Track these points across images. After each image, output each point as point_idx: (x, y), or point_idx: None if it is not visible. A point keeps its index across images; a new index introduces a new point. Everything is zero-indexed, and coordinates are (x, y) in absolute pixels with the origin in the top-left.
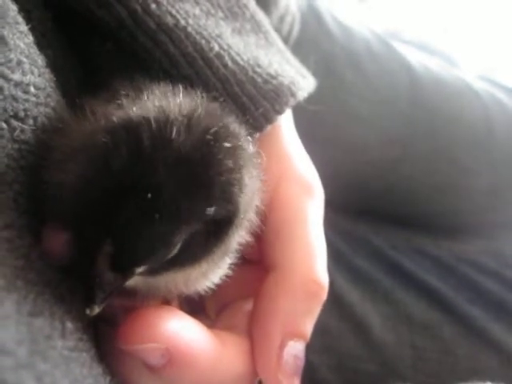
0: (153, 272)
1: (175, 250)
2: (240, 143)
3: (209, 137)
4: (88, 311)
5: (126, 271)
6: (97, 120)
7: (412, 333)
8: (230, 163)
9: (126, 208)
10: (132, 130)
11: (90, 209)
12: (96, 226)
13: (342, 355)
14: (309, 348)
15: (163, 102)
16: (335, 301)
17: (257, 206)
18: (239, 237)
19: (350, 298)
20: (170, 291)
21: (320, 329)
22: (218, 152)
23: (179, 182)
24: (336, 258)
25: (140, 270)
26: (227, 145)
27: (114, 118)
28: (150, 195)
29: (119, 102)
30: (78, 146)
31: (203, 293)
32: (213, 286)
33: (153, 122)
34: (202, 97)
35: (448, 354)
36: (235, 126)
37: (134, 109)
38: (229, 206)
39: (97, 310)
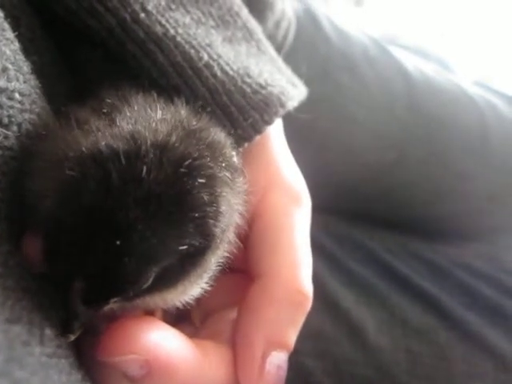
0: (127, 299)
1: (148, 283)
2: (217, 170)
3: (183, 170)
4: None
5: (97, 306)
6: (79, 134)
7: (407, 337)
8: (204, 197)
9: (96, 245)
10: (101, 164)
11: (62, 231)
12: (68, 257)
13: (337, 359)
14: (304, 352)
15: (137, 127)
16: (330, 305)
17: (237, 223)
18: (217, 257)
19: (345, 302)
20: (148, 308)
21: (315, 333)
22: (191, 187)
23: (150, 220)
24: (331, 261)
25: (113, 301)
26: (201, 180)
27: (84, 149)
28: (120, 234)
29: (90, 127)
30: (59, 157)
31: (182, 307)
32: (191, 301)
33: (122, 158)
34: (184, 111)
35: (443, 358)
36: (216, 144)
37: (104, 142)
38: (204, 238)
39: (72, 338)
